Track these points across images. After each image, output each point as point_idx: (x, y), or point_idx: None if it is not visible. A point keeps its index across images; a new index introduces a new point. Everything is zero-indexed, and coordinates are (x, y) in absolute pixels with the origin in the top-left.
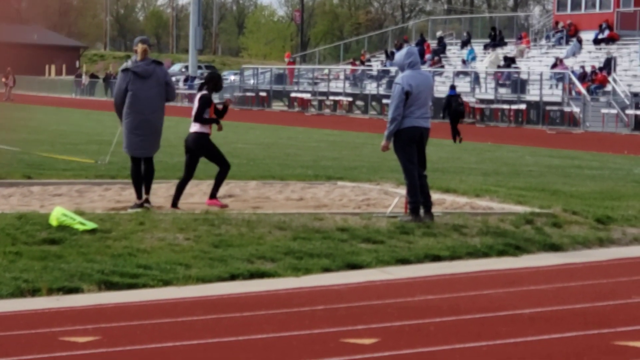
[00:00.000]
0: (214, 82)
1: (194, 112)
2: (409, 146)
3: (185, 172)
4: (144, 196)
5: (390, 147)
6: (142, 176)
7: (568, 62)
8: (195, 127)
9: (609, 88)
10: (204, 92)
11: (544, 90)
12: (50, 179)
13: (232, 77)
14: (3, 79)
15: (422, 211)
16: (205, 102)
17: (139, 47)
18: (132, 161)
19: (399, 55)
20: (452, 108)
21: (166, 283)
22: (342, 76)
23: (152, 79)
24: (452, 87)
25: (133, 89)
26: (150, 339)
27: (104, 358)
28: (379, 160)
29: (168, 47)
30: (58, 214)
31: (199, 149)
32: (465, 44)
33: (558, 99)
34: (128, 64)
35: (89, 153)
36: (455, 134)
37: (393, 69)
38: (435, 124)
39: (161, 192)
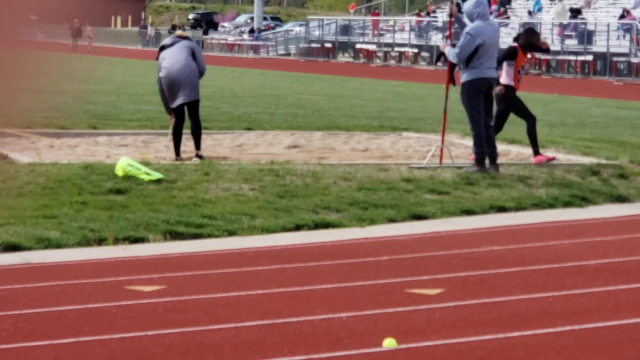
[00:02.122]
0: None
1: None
2: (477, 97)
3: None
4: (195, 152)
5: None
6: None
7: (636, 12)
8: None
9: None
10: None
11: (610, 42)
12: (115, 129)
13: (298, 29)
14: (74, 26)
15: (487, 162)
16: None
17: None
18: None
19: (468, 5)
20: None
21: (231, 233)
22: (407, 27)
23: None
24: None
25: None
26: (214, 289)
27: (169, 307)
28: (441, 112)
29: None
30: (124, 164)
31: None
32: None
33: (625, 50)
34: None
35: (154, 103)
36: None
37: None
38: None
39: (226, 142)
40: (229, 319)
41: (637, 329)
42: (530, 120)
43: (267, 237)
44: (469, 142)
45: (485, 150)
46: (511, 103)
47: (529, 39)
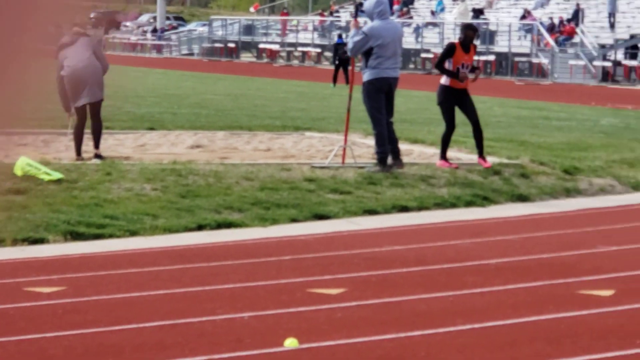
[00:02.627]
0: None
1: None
2: (378, 96)
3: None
4: (94, 152)
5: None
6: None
7: (536, 13)
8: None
9: (576, 39)
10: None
11: (512, 42)
12: (14, 128)
13: (201, 28)
14: None
15: (390, 159)
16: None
17: None
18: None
19: (369, 4)
20: (339, 55)
21: (133, 233)
22: (310, 27)
23: None
24: (340, 36)
25: None
26: (116, 289)
27: (68, 308)
28: (345, 111)
29: None
30: (23, 163)
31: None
32: None
33: (526, 50)
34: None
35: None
36: (344, 77)
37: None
38: (404, 75)
39: (129, 142)
40: (129, 319)
41: (535, 327)
42: (448, 128)
43: (169, 237)
44: (372, 141)
45: (387, 149)
46: (442, 103)
47: (464, 33)
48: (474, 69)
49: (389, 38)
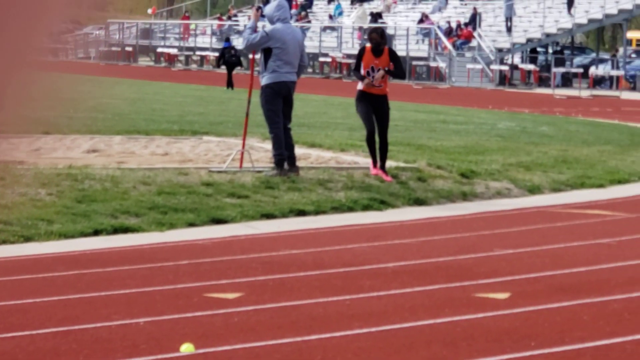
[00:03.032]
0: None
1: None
2: (275, 100)
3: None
4: None
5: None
6: None
7: (434, 17)
8: None
9: (474, 43)
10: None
11: (410, 46)
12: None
13: (97, 32)
14: None
15: (286, 165)
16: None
17: None
18: None
19: (269, 8)
20: (225, 59)
21: (27, 239)
22: (209, 31)
23: None
24: (227, 40)
25: None
26: (9, 296)
27: None
28: (244, 116)
29: None
30: None
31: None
32: None
33: (424, 54)
34: None
35: None
36: (230, 82)
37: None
38: (302, 79)
39: (23, 146)
40: (23, 326)
41: (432, 330)
42: (367, 132)
43: (65, 243)
44: (269, 145)
45: (284, 152)
46: (356, 107)
47: (369, 36)
48: (390, 72)
49: (290, 42)
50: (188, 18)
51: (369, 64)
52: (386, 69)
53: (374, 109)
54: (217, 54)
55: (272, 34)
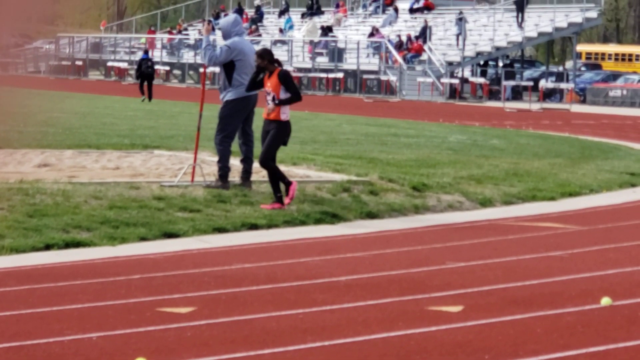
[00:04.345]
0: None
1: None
2: (241, 115)
3: None
4: None
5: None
6: None
7: (385, 31)
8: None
9: (424, 57)
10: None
11: (361, 59)
12: None
13: (47, 46)
14: None
15: (239, 179)
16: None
17: None
18: None
19: (226, 23)
20: (142, 70)
21: None
22: (159, 45)
23: None
24: (145, 52)
25: None
26: None
27: None
28: (195, 129)
29: None
30: None
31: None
32: (282, 12)
33: (375, 68)
34: None
35: None
36: (143, 93)
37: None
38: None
39: None
40: None
41: (385, 344)
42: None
43: (16, 257)
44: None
45: (229, 166)
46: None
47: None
48: (282, 102)
49: (249, 54)
50: (154, 32)
51: (266, 84)
52: (276, 101)
53: (267, 132)
54: (167, 68)
55: (233, 47)
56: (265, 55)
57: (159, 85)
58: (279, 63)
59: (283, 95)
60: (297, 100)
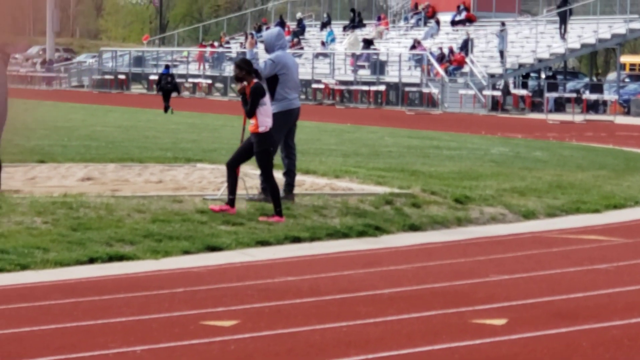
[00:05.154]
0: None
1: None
2: (284, 128)
3: None
4: None
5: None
6: None
7: (426, 43)
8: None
9: (466, 69)
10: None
11: (402, 72)
12: None
13: (91, 60)
14: None
15: (282, 192)
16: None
17: None
18: None
19: (269, 36)
20: (162, 85)
21: (23, 267)
22: (197, 58)
23: None
24: (166, 67)
25: None
26: (6, 324)
27: None
28: (237, 143)
29: (25, 30)
30: None
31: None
32: (324, 25)
33: (417, 80)
34: None
35: None
36: (167, 107)
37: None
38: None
39: (18, 175)
40: (20, 355)
41: (429, 357)
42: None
43: (61, 271)
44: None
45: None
46: None
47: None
48: (244, 102)
49: (292, 68)
50: (205, 46)
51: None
52: (242, 95)
53: (251, 144)
54: (209, 82)
55: (277, 61)
56: (244, 66)
57: (201, 99)
58: (258, 74)
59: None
60: (247, 115)
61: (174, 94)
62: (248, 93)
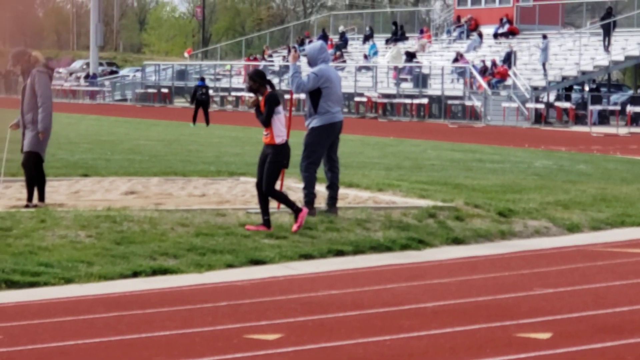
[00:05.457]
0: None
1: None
2: (326, 142)
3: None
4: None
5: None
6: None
7: (469, 56)
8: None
9: (509, 82)
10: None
11: (445, 85)
12: None
13: (134, 74)
14: None
15: (325, 205)
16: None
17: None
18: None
19: (312, 49)
20: (197, 97)
21: (68, 281)
22: (244, 72)
23: None
24: (202, 79)
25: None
26: (51, 338)
27: (4, 357)
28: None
29: (69, 44)
30: None
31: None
32: (367, 38)
33: (459, 93)
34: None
35: None
36: (195, 120)
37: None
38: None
39: (63, 189)
40: None
41: None
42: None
43: (105, 284)
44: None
45: (314, 192)
46: None
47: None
48: (257, 113)
49: (335, 81)
50: (257, 59)
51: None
52: (256, 107)
53: (265, 156)
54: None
55: (320, 75)
56: (257, 78)
57: (244, 112)
58: (271, 85)
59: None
60: (263, 124)
61: (213, 107)
62: (262, 105)
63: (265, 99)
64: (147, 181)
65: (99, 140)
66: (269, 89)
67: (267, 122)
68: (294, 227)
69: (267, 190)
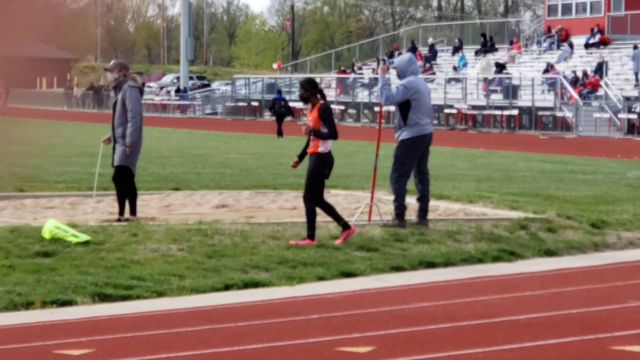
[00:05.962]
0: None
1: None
2: (417, 154)
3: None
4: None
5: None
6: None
7: (559, 67)
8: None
9: (601, 92)
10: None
11: (535, 96)
12: (42, 192)
13: (224, 87)
14: None
15: (415, 217)
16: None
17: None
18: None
19: (401, 62)
20: (275, 109)
21: (160, 294)
22: (333, 84)
23: None
24: (279, 92)
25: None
26: (144, 351)
27: None
28: (371, 169)
29: (159, 58)
30: (51, 226)
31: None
32: (456, 50)
33: (550, 104)
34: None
35: (81, 165)
36: (280, 131)
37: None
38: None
39: (154, 203)
40: None
41: None
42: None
43: (196, 298)
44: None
45: (404, 204)
46: None
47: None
48: (317, 134)
49: (425, 93)
50: (346, 72)
51: (308, 116)
52: (312, 130)
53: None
54: (342, 107)
55: (409, 87)
56: (308, 87)
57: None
58: (323, 95)
59: (323, 130)
60: (333, 138)
61: (287, 118)
62: (313, 114)
63: (321, 110)
64: (238, 194)
65: (190, 154)
66: (320, 99)
67: (336, 134)
68: (338, 241)
69: (305, 196)
